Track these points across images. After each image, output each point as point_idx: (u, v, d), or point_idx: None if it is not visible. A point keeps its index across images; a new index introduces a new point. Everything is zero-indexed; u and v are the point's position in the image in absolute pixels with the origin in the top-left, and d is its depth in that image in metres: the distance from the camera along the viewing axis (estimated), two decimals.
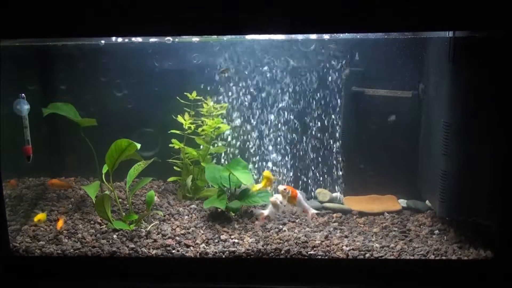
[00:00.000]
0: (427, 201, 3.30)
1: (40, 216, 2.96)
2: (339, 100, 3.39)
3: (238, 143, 3.52)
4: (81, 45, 3.34)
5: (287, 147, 3.51)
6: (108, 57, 3.40)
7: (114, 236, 2.88)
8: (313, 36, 3.09)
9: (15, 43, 2.93)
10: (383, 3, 2.38)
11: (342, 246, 2.78)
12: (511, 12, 2.35)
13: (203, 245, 2.80)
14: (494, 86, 2.59)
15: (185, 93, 3.29)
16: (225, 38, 3.26)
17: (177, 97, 3.30)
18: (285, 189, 2.81)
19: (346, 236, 2.92)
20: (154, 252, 2.75)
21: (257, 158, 3.54)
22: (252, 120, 3.49)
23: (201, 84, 3.40)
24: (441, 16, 2.40)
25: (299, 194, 2.84)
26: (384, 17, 2.41)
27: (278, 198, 2.82)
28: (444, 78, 2.80)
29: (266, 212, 2.85)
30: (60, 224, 2.95)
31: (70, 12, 2.44)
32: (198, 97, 3.31)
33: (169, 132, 3.33)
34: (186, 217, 3.15)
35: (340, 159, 3.47)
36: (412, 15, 2.40)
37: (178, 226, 2.99)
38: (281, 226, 3.03)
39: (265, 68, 3.39)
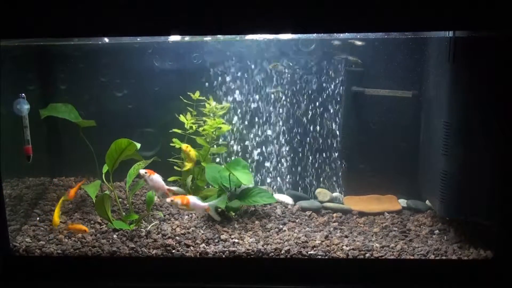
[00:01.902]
0: (427, 201, 3.30)
1: (57, 216, 2.94)
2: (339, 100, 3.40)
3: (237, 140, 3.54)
4: (81, 45, 3.34)
5: (287, 147, 3.52)
6: (108, 57, 3.40)
7: (114, 236, 2.88)
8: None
9: (15, 43, 2.93)
10: (383, 3, 2.38)
11: (342, 246, 2.78)
12: (511, 12, 2.35)
13: (203, 245, 2.80)
14: (494, 86, 2.59)
15: (188, 93, 3.30)
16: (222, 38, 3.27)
17: (181, 97, 3.30)
18: (172, 200, 2.82)
19: (346, 236, 2.92)
20: (154, 252, 2.75)
21: (256, 157, 3.55)
22: (251, 118, 3.50)
23: (202, 84, 3.41)
24: (441, 16, 2.40)
25: (191, 199, 2.84)
26: (384, 17, 2.41)
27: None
28: (444, 78, 2.80)
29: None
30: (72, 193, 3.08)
31: (70, 12, 2.44)
32: (200, 97, 3.32)
33: (170, 131, 3.33)
34: (186, 217, 3.15)
35: (340, 159, 3.47)
36: (412, 15, 2.40)
37: (178, 226, 2.99)
38: (281, 226, 3.03)
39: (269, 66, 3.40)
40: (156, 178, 2.92)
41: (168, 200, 2.84)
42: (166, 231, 2.91)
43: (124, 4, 2.42)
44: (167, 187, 2.95)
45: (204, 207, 2.89)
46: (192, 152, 3.25)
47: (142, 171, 2.92)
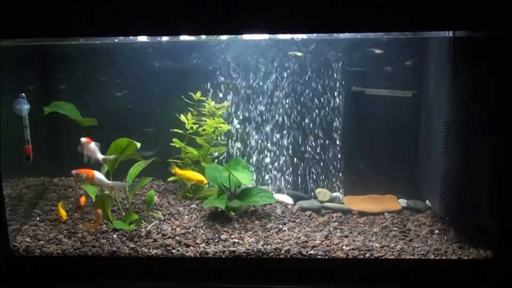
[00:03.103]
0: (427, 201, 3.30)
1: (63, 212, 2.98)
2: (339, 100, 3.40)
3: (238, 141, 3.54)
4: (81, 45, 3.34)
5: (287, 147, 3.52)
6: (108, 57, 3.40)
7: (114, 236, 2.88)
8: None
9: (15, 43, 2.93)
10: (383, 3, 2.38)
11: (342, 246, 2.78)
12: (511, 12, 2.35)
13: (203, 245, 2.80)
14: (494, 86, 2.59)
15: (189, 93, 3.30)
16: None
17: (182, 96, 3.31)
18: (77, 173, 2.81)
19: (346, 236, 2.92)
20: (154, 252, 2.75)
21: (257, 157, 3.55)
22: (252, 119, 3.50)
23: (202, 84, 3.41)
24: (441, 16, 2.40)
25: (96, 175, 2.84)
26: (384, 17, 2.41)
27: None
28: (444, 78, 2.80)
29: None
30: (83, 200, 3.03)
31: (69, 12, 2.44)
32: (201, 98, 3.32)
33: (170, 131, 3.33)
34: (186, 217, 3.15)
35: (340, 159, 3.48)
36: (412, 15, 2.40)
37: (178, 226, 2.99)
38: (281, 226, 3.03)
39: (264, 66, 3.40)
40: (93, 146, 2.89)
41: (73, 172, 2.83)
42: (166, 231, 2.91)
43: (124, 4, 2.42)
44: (103, 156, 2.92)
45: (109, 185, 2.87)
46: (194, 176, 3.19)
47: (83, 139, 2.90)
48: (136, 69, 3.43)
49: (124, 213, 3.08)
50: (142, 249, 2.76)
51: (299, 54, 3.27)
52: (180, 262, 2.73)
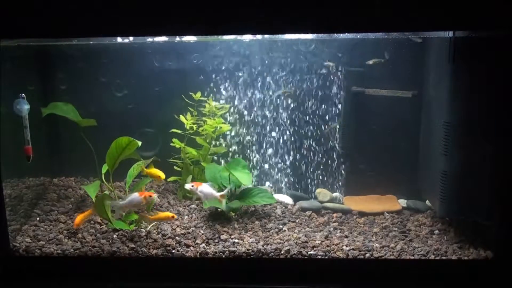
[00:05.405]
0: (427, 201, 3.30)
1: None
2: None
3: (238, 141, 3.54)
4: (81, 45, 3.34)
5: (288, 147, 3.52)
6: (108, 57, 3.40)
7: (114, 236, 2.88)
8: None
9: (15, 43, 2.93)
10: (383, 3, 2.38)
11: (342, 246, 2.78)
12: (511, 12, 2.35)
13: (203, 245, 2.80)
14: (494, 86, 2.59)
15: (190, 93, 3.30)
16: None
17: (182, 96, 3.31)
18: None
19: (346, 236, 2.92)
20: (154, 252, 2.75)
21: (256, 157, 3.55)
22: (252, 119, 3.50)
23: (202, 84, 3.41)
24: (441, 16, 2.40)
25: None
26: (384, 17, 2.41)
27: None
28: (444, 78, 2.80)
29: None
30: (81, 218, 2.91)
31: (69, 12, 2.44)
32: (202, 98, 3.32)
33: (170, 131, 3.33)
34: (186, 217, 3.15)
35: (340, 159, 3.48)
36: (412, 15, 2.40)
37: (178, 226, 2.99)
38: (281, 226, 3.03)
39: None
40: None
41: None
42: (166, 231, 2.91)
43: (124, 4, 2.42)
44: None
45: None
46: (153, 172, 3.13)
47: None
48: (136, 69, 3.43)
49: (124, 213, 3.07)
50: (142, 249, 2.75)
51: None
52: (180, 262, 2.73)
